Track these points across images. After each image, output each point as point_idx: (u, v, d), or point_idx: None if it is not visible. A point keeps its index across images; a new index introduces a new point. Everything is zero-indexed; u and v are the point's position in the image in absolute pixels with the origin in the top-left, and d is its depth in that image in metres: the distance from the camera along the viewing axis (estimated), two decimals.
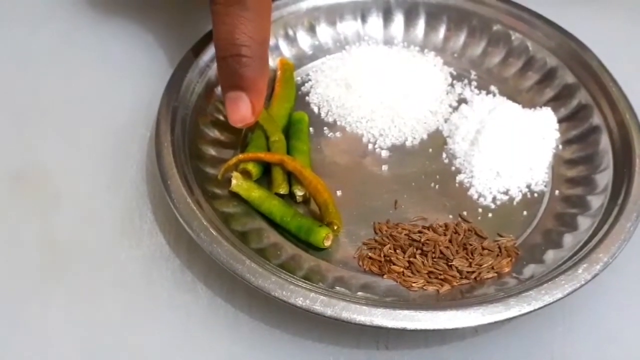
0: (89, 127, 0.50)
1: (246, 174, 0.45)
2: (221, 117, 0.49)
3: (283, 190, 0.45)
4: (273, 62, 0.53)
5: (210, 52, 0.50)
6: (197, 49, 0.50)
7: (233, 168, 0.45)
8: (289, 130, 0.49)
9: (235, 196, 0.45)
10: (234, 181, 0.45)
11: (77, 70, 0.54)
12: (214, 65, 0.50)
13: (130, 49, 0.56)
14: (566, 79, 0.51)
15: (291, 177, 0.46)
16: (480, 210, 0.46)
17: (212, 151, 0.47)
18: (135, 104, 0.51)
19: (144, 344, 0.41)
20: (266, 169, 0.46)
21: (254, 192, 0.45)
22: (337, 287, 0.41)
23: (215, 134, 0.48)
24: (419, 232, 0.44)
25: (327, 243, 0.43)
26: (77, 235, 0.45)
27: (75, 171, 0.48)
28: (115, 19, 0.58)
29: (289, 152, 0.47)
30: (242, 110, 0.45)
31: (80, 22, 0.57)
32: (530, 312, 0.39)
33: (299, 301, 0.38)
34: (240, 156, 0.46)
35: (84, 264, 0.44)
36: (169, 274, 0.43)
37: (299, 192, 0.45)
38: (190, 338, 0.41)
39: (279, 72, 0.51)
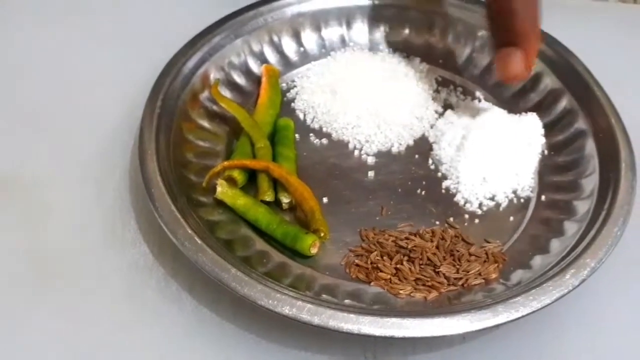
0: (71, 135, 0.50)
1: (231, 182, 0.45)
2: (206, 124, 0.49)
3: (269, 197, 0.45)
4: (258, 68, 0.53)
5: (195, 58, 0.50)
6: (182, 55, 0.49)
7: (218, 175, 0.45)
8: (275, 137, 0.49)
9: (221, 204, 0.45)
10: (219, 189, 0.44)
11: (59, 77, 0.53)
12: (199, 72, 0.50)
13: (114, 55, 0.55)
14: (551, 84, 0.51)
15: (277, 184, 0.46)
16: (466, 216, 0.46)
17: (196, 158, 0.47)
18: (119, 111, 0.51)
19: (128, 355, 0.40)
20: (252, 176, 0.46)
21: (239, 200, 0.44)
22: (324, 295, 0.40)
23: (200, 141, 0.48)
24: (406, 238, 0.44)
25: (314, 250, 0.43)
26: (59, 244, 0.44)
27: (58, 180, 0.47)
28: (98, 25, 0.57)
29: (274, 158, 0.47)
30: (514, 66, 0.44)
31: (63, 29, 0.57)
32: (518, 318, 0.38)
33: (286, 310, 0.38)
34: (226, 163, 0.45)
35: (66, 274, 0.43)
36: (153, 283, 0.43)
37: (285, 199, 0.45)
38: (175, 348, 0.41)
39: (264, 79, 0.51)
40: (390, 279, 0.42)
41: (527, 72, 0.45)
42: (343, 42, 0.55)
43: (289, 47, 0.54)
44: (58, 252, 0.44)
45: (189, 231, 0.40)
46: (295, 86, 0.53)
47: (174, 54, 0.49)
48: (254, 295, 0.38)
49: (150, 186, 0.42)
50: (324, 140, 0.50)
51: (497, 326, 0.38)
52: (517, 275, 0.42)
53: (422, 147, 0.50)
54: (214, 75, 0.51)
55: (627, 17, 0.61)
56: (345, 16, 0.55)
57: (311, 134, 0.50)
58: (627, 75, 0.54)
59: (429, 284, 0.42)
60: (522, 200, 0.47)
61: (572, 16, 0.60)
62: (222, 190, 0.44)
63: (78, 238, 0.45)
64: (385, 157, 0.49)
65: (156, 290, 0.43)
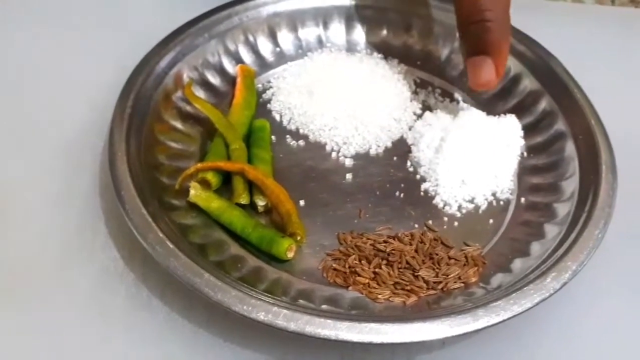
0: (39, 137, 0.49)
1: (205, 184, 0.44)
2: (179, 125, 0.48)
3: (244, 200, 0.44)
4: (233, 68, 0.52)
5: (168, 57, 0.49)
6: (154, 54, 0.48)
7: (191, 178, 0.44)
8: (250, 138, 0.48)
9: (194, 207, 0.44)
10: (192, 191, 0.43)
11: (26, 76, 0.52)
12: (172, 71, 0.49)
13: (84, 55, 0.54)
14: (530, 85, 0.51)
15: (252, 187, 0.45)
16: (445, 219, 0.46)
17: (169, 160, 0.46)
18: (88, 112, 0.49)
19: None
20: (226, 178, 0.45)
21: (213, 203, 0.43)
22: (301, 301, 0.40)
23: (172, 142, 0.47)
24: (385, 242, 0.43)
25: (290, 254, 0.42)
26: (26, 250, 0.43)
27: (25, 183, 0.46)
28: (68, 23, 0.56)
29: (250, 160, 0.46)
30: (485, 74, 0.45)
31: (31, 28, 0.56)
32: (499, 322, 0.38)
33: (261, 316, 0.37)
34: (199, 165, 0.44)
35: (31, 281, 0.42)
36: (123, 289, 0.42)
37: (261, 202, 0.44)
38: (146, 357, 0.39)
39: (239, 79, 0.50)
40: (368, 283, 0.41)
41: (497, 80, 0.46)
42: (320, 43, 0.55)
43: (265, 47, 0.53)
44: (23, 258, 0.43)
45: (160, 235, 0.39)
46: (271, 87, 0.52)
47: (146, 52, 0.48)
48: (228, 301, 0.37)
49: (120, 188, 0.41)
50: (301, 142, 0.49)
51: (477, 331, 0.38)
52: (497, 278, 0.42)
53: (401, 149, 0.49)
54: (187, 75, 0.50)
55: (606, 19, 0.62)
56: (322, 16, 0.55)
57: (287, 136, 0.49)
58: (606, 77, 0.54)
59: (408, 288, 0.41)
60: (501, 203, 0.47)
61: (551, 18, 0.60)
62: (196, 192, 0.43)
63: (45, 243, 0.43)
64: (363, 159, 0.49)
65: (126, 297, 0.41)
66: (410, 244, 0.43)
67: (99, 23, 0.57)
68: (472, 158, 0.47)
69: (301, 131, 0.50)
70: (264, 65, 0.53)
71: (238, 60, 0.52)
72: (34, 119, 0.50)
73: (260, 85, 0.52)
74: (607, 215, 0.42)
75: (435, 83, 0.54)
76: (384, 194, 0.47)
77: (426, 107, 0.52)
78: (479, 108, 0.51)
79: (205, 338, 0.40)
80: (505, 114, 0.50)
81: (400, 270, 0.42)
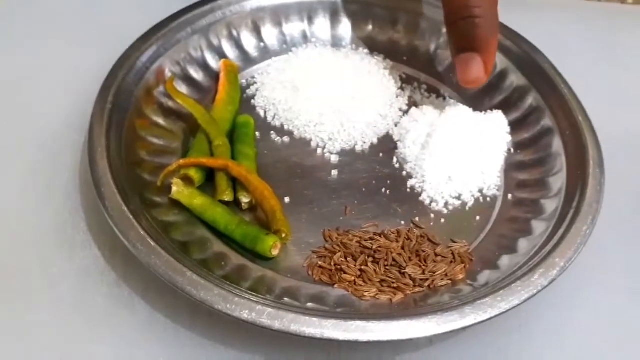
0: (18, 133, 0.48)
1: (188, 180, 0.43)
2: (160, 121, 0.47)
3: (228, 197, 0.43)
4: (216, 63, 0.51)
5: (149, 52, 0.48)
6: (135, 49, 0.48)
7: (173, 174, 0.43)
8: (234, 134, 0.47)
9: (176, 204, 0.43)
10: (174, 188, 0.43)
11: (5, 71, 0.51)
12: (153, 66, 0.48)
13: (66, 49, 0.53)
14: (517, 81, 0.51)
15: (236, 184, 0.44)
16: (432, 215, 0.45)
17: (150, 157, 0.45)
18: (69, 108, 0.49)
19: None
20: (209, 175, 0.44)
21: (196, 200, 0.43)
22: (286, 299, 0.39)
23: (154, 138, 0.46)
24: (371, 239, 0.43)
25: (275, 252, 0.41)
26: (3, 248, 0.42)
27: (4, 180, 0.45)
28: (48, 17, 0.55)
29: (234, 157, 0.45)
30: (474, 71, 0.45)
31: (11, 21, 0.55)
32: (486, 320, 0.37)
33: (245, 314, 0.36)
34: (181, 161, 0.43)
35: (12, 279, 0.41)
36: (104, 288, 0.41)
37: (245, 199, 0.43)
38: (127, 357, 0.39)
39: (222, 74, 0.50)
40: (354, 280, 0.41)
41: (486, 77, 0.46)
42: (305, 38, 0.54)
43: (249, 42, 0.53)
44: (2, 256, 0.42)
45: (142, 232, 0.39)
46: (255, 82, 0.52)
47: (127, 47, 0.47)
48: (211, 299, 0.37)
49: (100, 185, 0.41)
50: (286, 138, 0.49)
51: (464, 328, 0.37)
52: (485, 275, 0.42)
53: (387, 145, 0.49)
54: (169, 70, 0.49)
55: (592, 15, 0.61)
56: (307, 11, 0.54)
57: (272, 132, 0.49)
58: (593, 73, 0.54)
59: (395, 285, 0.41)
60: (488, 199, 0.46)
61: (538, 14, 0.60)
62: (178, 189, 0.43)
63: (24, 241, 0.43)
64: (349, 155, 0.48)
65: (108, 296, 0.41)
66: (397, 241, 0.43)
67: (81, 16, 0.56)
68: (459, 154, 0.47)
69: (286, 127, 0.49)
70: (248, 60, 0.52)
71: (221, 55, 0.51)
72: (13, 114, 0.49)
73: (244, 81, 0.51)
74: (594, 211, 0.42)
75: (421, 79, 0.53)
76: (370, 191, 0.46)
77: (412, 103, 0.51)
78: (465, 104, 0.50)
79: (188, 337, 0.39)
80: (491, 109, 0.50)
81: (387, 267, 0.42)
